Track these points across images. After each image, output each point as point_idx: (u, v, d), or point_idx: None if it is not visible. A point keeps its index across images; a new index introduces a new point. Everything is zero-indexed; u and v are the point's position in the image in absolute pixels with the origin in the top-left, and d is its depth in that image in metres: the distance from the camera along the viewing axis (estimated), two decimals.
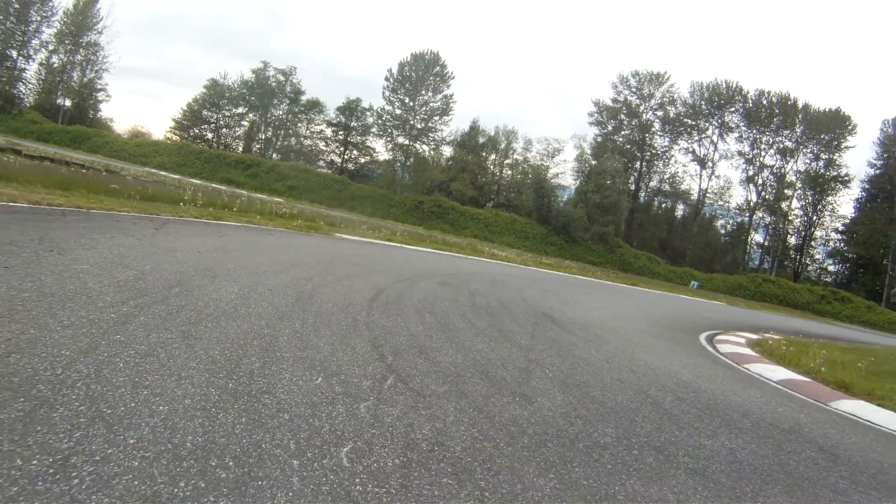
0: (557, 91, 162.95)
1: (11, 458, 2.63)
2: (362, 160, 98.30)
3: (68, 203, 12.46)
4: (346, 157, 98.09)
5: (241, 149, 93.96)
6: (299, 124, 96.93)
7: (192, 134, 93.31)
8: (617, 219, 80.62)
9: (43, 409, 3.11)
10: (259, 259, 11.11)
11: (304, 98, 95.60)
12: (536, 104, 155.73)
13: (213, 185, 45.86)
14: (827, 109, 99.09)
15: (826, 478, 5.30)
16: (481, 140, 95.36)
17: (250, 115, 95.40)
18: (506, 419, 4.80)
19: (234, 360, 4.71)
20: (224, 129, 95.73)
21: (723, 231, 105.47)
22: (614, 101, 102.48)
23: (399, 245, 25.74)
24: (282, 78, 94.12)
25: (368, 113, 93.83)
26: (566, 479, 3.87)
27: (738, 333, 19.47)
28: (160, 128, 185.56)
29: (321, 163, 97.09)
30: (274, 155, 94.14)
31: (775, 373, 12.35)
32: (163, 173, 47.95)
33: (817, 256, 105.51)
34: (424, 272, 15.36)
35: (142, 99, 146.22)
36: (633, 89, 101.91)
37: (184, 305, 5.96)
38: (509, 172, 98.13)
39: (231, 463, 3.06)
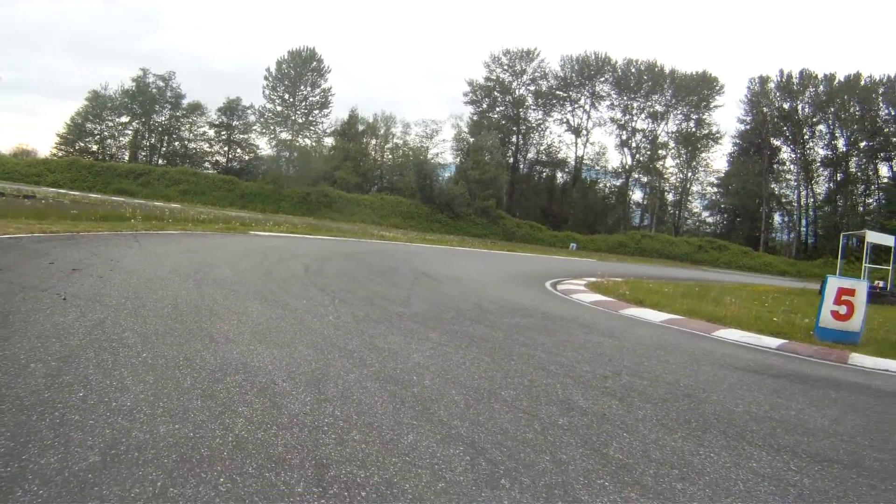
0: (432, 70, 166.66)
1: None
2: (247, 158, 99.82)
3: (63, 230, 16.37)
4: (230, 156, 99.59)
5: (127, 158, 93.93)
6: (182, 128, 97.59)
7: (77, 148, 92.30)
8: (497, 192, 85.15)
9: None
10: (219, 254, 15.64)
11: (185, 102, 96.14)
12: (413, 84, 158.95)
13: (113, 197, 48.25)
14: (694, 72, 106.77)
15: (569, 330, 10.21)
16: (361, 128, 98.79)
17: (134, 123, 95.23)
18: (396, 312, 9.71)
19: (265, 293, 9.45)
20: (109, 140, 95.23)
21: (601, 195, 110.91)
22: (487, 79, 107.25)
23: (302, 236, 29.95)
24: (161, 83, 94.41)
25: (249, 111, 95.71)
26: (425, 324, 8.82)
27: (582, 278, 23.79)
28: (41, 144, 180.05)
29: (207, 164, 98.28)
30: (160, 161, 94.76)
31: (591, 297, 16.76)
32: (63, 191, 49.81)
33: (696, 210, 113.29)
34: (331, 253, 20.07)
35: (9, 115, 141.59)
36: (506, 67, 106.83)
37: (216, 279, 10.63)
38: (390, 156, 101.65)
39: (294, 300, 7.81)
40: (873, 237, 38.43)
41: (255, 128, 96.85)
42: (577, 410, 5.44)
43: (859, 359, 11.13)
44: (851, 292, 12.91)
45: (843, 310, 12.92)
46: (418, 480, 3.51)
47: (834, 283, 13.20)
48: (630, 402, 5.95)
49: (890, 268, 39.07)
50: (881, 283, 38.02)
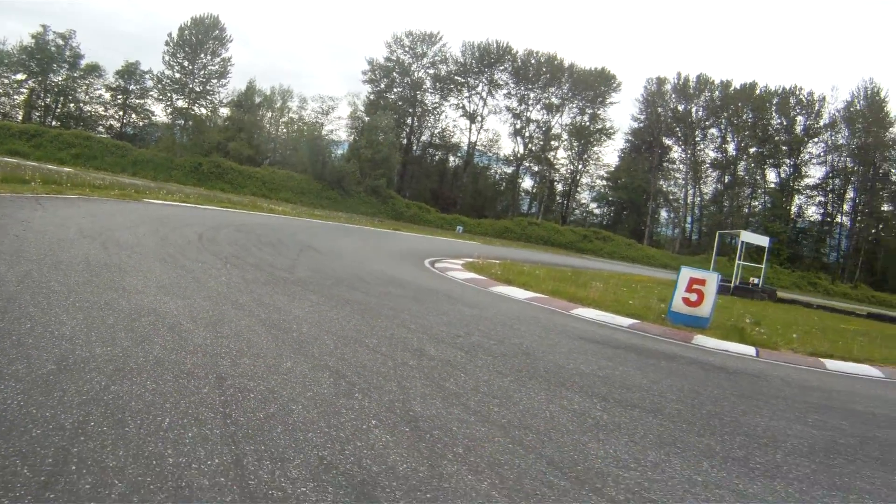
0: (334, 45, 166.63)
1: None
2: (141, 123, 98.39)
3: None
4: (125, 120, 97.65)
5: (20, 117, 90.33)
6: (79, 90, 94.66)
7: None
8: (388, 172, 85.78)
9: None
10: (118, 220, 16.40)
11: (83, 62, 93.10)
12: (313, 58, 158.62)
13: (5, 158, 47.11)
14: (593, 68, 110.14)
15: (436, 300, 11.65)
16: (258, 100, 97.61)
17: (29, 81, 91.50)
18: (282, 277, 10.96)
19: (164, 256, 10.51)
20: (3, 98, 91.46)
21: (492, 181, 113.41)
22: (388, 59, 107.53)
23: (194, 205, 30.28)
24: (61, 42, 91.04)
25: (148, 76, 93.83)
26: (307, 287, 10.07)
27: (461, 258, 25.11)
28: None
29: (101, 128, 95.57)
30: (54, 122, 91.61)
31: (464, 275, 18.13)
32: None
33: (584, 201, 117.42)
34: (222, 224, 20.90)
35: None
36: (407, 48, 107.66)
37: (119, 242, 11.59)
38: (285, 130, 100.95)
39: (190, 262, 9.03)
40: (747, 237, 40.96)
41: (151, 93, 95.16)
42: (426, 357, 6.86)
43: (702, 340, 12.93)
44: (702, 282, 14.69)
45: (693, 297, 14.69)
46: (293, 390, 4.90)
47: (686, 273, 15.01)
48: (474, 355, 7.41)
49: (763, 266, 41.75)
50: (755, 280, 40.66)
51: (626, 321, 13.81)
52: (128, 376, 4.57)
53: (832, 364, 12.82)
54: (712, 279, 14.75)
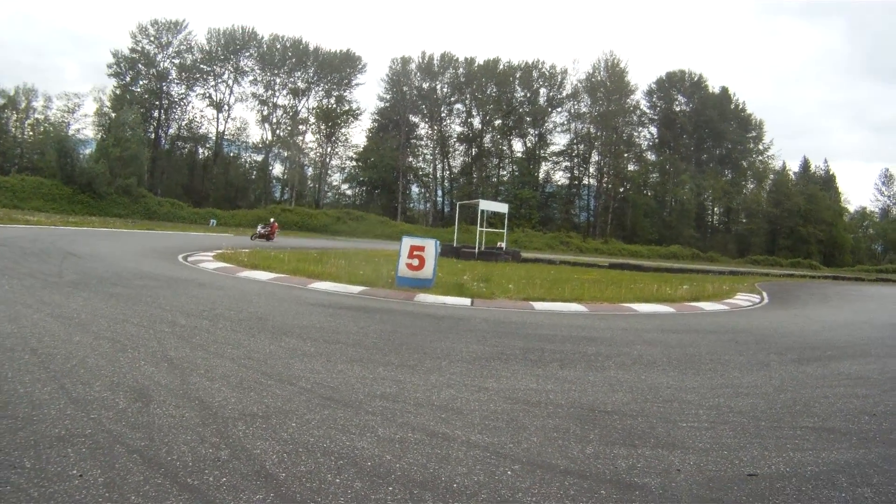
0: (76, 35, 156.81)
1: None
2: None
3: None
4: None
5: None
6: None
7: None
8: (139, 170, 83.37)
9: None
10: None
11: None
12: (55, 50, 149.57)
13: None
14: (338, 51, 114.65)
15: (187, 287, 13.30)
16: (1, 101, 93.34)
17: None
18: (53, 281, 12.27)
19: None
20: None
21: (242, 170, 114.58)
22: (133, 51, 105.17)
23: None
24: None
25: None
26: (76, 287, 11.57)
27: (212, 251, 26.49)
28: None
29: None
30: None
31: (214, 265, 19.80)
32: None
33: (335, 183, 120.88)
34: None
35: None
36: (152, 38, 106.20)
37: None
38: (31, 133, 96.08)
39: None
40: (486, 205, 44.31)
41: None
42: (178, 325, 8.85)
43: (424, 297, 15.48)
44: (422, 248, 17.34)
45: (415, 262, 17.28)
46: (84, 351, 6.70)
47: (407, 242, 17.64)
48: (216, 321, 9.48)
49: (504, 231, 45.23)
50: (501, 244, 44.16)
51: (357, 289, 16.10)
52: None
53: (540, 305, 15.77)
54: (430, 245, 17.41)
